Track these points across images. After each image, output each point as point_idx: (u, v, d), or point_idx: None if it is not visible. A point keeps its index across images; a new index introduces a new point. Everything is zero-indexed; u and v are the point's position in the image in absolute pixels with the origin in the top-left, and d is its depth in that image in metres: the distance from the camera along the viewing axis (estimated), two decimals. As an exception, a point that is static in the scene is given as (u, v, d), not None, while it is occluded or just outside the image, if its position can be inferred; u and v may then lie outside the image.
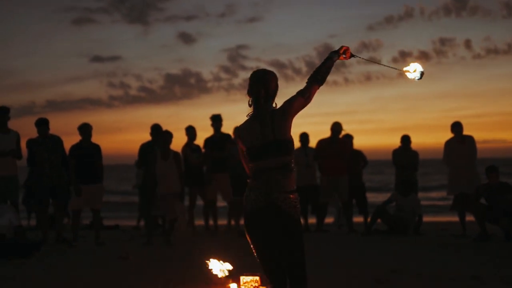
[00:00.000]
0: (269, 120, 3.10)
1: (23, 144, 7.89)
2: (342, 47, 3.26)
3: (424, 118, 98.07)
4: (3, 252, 6.55)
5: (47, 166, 7.82)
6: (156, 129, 8.63)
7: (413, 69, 3.47)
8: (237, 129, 3.29)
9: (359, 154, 9.70)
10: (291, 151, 3.14)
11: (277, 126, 3.09)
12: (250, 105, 3.24)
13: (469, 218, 8.68)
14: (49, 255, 6.91)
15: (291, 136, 3.15)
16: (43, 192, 7.88)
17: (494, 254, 6.75)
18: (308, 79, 3.18)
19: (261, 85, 3.16)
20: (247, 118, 3.23)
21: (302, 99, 3.13)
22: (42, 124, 7.89)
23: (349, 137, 9.76)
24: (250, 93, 3.20)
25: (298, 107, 3.14)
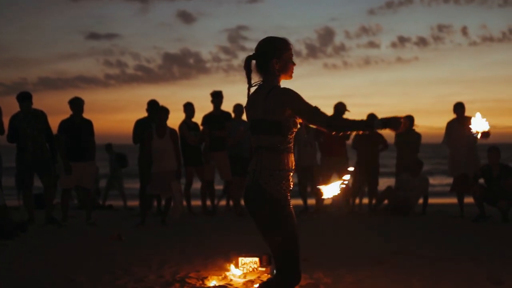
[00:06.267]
0: (264, 97, 2.78)
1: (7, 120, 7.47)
2: (399, 120, 2.70)
3: (420, 103, 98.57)
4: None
5: (30, 142, 7.41)
6: (152, 105, 8.28)
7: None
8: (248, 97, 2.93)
9: (379, 136, 9.48)
10: (282, 131, 2.77)
11: (268, 106, 2.76)
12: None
13: (467, 200, 8.81)
14: (36, 236, 6.59)
15: (283, 119, 2.76)
16: (25, 169, 7.49)
17: (492, 236, 6.79)
18: (335, 117, 2.72)
19: (263, 54, 2.83)
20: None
21: (306, 117, 2.74)
22: (25, 99, 7.44)
23: (372, 117, 9.45)
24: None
25: (296, 114, 2.75)
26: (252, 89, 2.88)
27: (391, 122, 2.71)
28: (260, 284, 2.94)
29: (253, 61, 2.87)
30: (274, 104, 2.75)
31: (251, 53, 2.88)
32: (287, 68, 2.86)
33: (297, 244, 2.82)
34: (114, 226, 7.43)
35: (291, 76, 2.89)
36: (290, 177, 2.83)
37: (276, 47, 2.83)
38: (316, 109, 2.74)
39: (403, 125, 2.73)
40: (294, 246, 2.80)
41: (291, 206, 2.86)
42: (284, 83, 2.88)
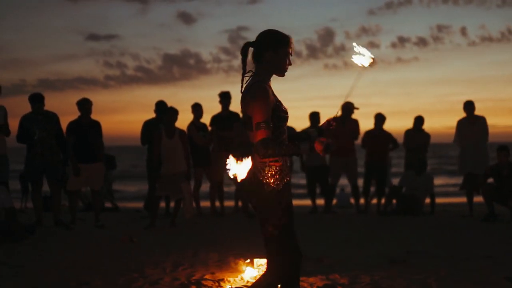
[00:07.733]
0: (245, 91, 2.76)
1: (17, 122, 7.40)
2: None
3: (420, 103, 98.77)
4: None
5: (39, 144, 7.31)
6: (160, 106, 8.20)
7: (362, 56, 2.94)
8: None
9: (388, 136, 9.44)
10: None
11: (246, 103, 2.74)
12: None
13: (476, 199, 8.86)
14: (44, 239, 6.48)
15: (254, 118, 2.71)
16: (34, 171, 7.39)
17: (503, 234, 6.79)
18: (270, 146, 2.64)
19: (260, 44, 2.77)
20: None
21: (253, 125, 2.68)
22: (37, 100, 7.32)
23: (380, 116, 9.39)
24: None
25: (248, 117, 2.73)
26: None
27: (323, 131, 2.99)
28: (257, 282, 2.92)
29: (251, 49, 2.80)
30: (248, 102, 2.71)
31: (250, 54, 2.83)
32: (281, 64, 2.77)
33: (291, 236, 2.80)
34: (123, 228, 7.36)
35: (283, 74, 2.81)
36: (285, 168, 2.78)
37: (275, 40, 2.76)
38: (261, 125, 2.63)
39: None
40: (288, 238, 2.79)
41: (291, 200, 2.84)
42: (275, 79, 2.81)
